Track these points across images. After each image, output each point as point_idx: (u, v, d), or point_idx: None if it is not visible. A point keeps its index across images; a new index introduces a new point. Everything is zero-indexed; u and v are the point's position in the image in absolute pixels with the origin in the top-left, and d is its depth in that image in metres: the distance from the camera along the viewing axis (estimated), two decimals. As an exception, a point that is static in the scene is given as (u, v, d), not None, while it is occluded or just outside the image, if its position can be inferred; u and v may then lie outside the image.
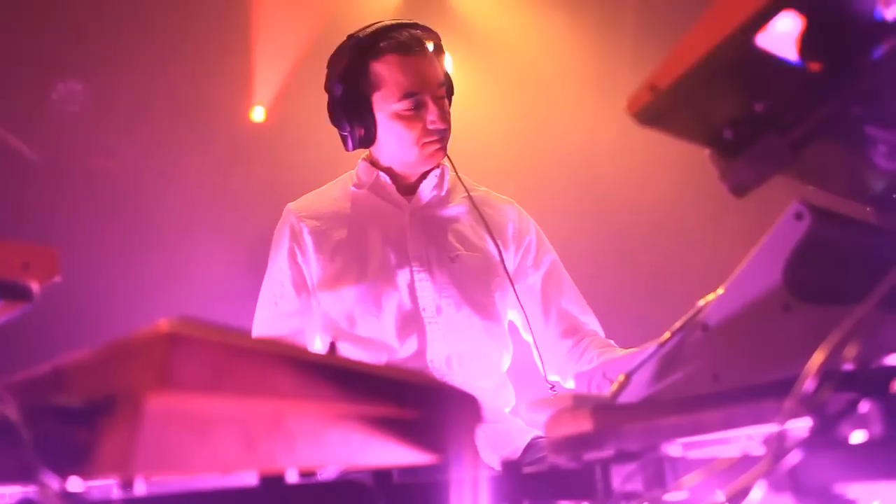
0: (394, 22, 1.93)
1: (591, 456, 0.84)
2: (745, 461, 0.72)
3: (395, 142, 1.93)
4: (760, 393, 0.79)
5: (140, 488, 0.75)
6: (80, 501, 0.70)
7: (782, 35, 0.77)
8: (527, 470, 0.88)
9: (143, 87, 3.73)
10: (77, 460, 0.69)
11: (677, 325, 0.90)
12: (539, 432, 1.86)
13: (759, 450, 0.72)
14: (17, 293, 0.91)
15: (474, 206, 1.97)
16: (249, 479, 0.82)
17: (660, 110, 0.81)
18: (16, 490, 0.79)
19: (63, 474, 0.69)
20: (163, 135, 3.78)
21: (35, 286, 0.93)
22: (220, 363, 0.65)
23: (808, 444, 0.65)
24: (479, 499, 0.84)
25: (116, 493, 0.78)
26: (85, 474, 0.69)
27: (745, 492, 0.66)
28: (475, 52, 4.02)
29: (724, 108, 0.83)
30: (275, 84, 4.04)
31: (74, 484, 0.69)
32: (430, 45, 1.93)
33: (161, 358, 0.64)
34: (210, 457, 0.67)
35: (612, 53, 4.14)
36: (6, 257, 0.95)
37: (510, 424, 1.91)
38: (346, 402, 0.71)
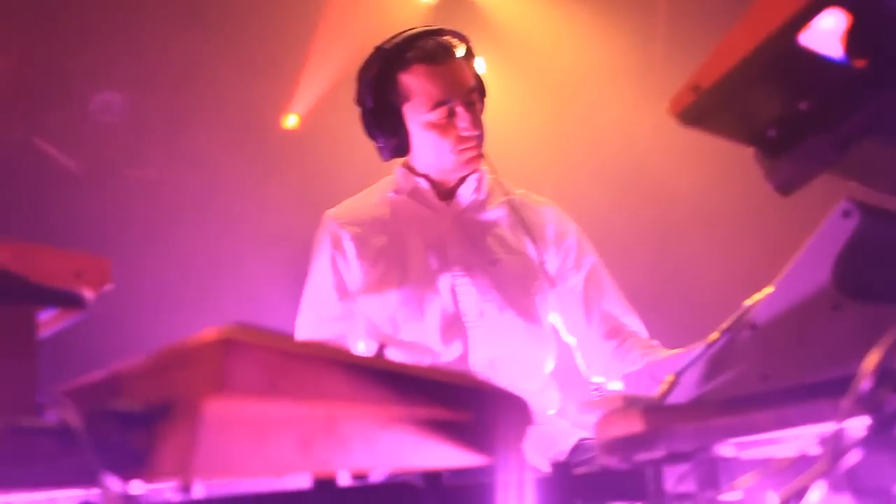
0: (420, 30, 1.92)
1: (642, 456, 0.84)
2: (802, 461, 0.72)
3: (430, 151, 1.94)
4: (812, 392, 0.78)
5: (198, 491, 0.77)
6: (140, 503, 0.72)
7: (826, 33, 0.76)
8: (578, 471, 0.88)
9: (181, 96, 3.79)
10: (137, 464, 0.71)
11: (725, 324, 0.89)
12: (584, 434, 1.85)
13: (815, 450, 0.71)
14: (70, 301, 0.93)
15: (513, 209, 1.97)
16: (303, 481, 0.83)
17: (703, 110, 0.81)
18: (77, 493, 0.81)
19: (124, 478, 0.71)
20: (201, 143, 3.83)
21: (88, 294, 0.95)
22: (276, 368, 0.66)
23: (866, 443, 0.65)
24: (529, 500, 0.84)
25: (175, 496, 0.79)
26: (145, 477, 0.70)
27: (802, 492, 0.66)
28: (506, 53, 4.02)
29: (768, 107, 0.83)
30: (310, 93, 4.08)
31: (136, 487, 0.70)
32: (460, 50, 1.92)
33: (218, 363, 0.65)
34: (266, 460, 0.69)
35: (644, 51, 4.12)
36: (59, 266, 0.98)
37: (555, 427, 1.91)
38: (398, 405, 0.72)
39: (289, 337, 0.70)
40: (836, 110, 0.81)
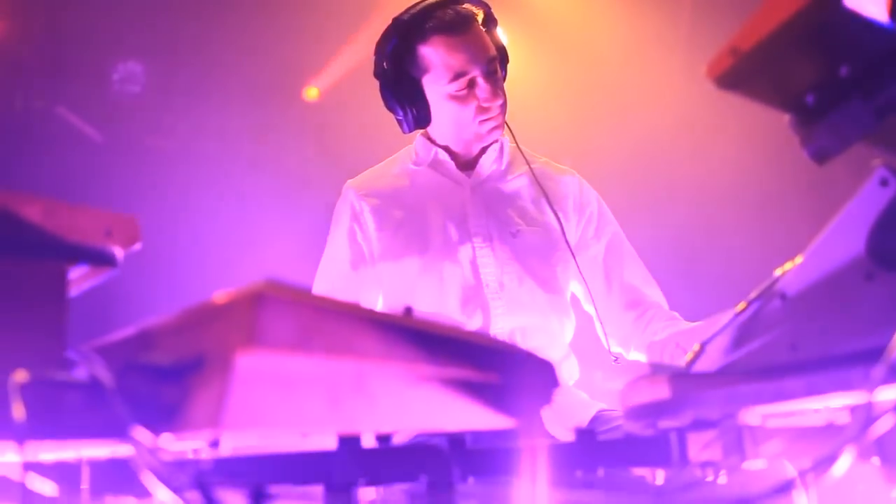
0: None
1: (666, 423, 0.83)
2: (828, 430, 0.71)
3: (451, 122, 1.92)
4: (841, 362, 0.78)
5: (225, 449, 0.78)
6: (169, 458, 0.73)
7: (872, -6, 0.75)
8: (602, 437, 0.88)
9: (202, 67, 3.80)
10: (167, 418, 0.72)
11: (753, 294, 0.88)
12: (604, 405, 1.85)
13: (843, 419, 0.70)
14: (102, 259, 0.94)
15: (535, 178, 1.95)
16: (328, 443, 0.83)
17: (741, 74, 0.80)
18: (107, 450, 0.82)
19: (153, 431, 0.72)
20: (222, 113, 3.84)
21: (118, 253, 0.96)
22: (308, 323, 0.66)
23: (898, 410, 0.64)
24: (552, 465, 0.84)
25: (202, 452, 0.80)
26: (175, 431, 0.71)
27: (831, 459, 0.65)
28: (532, 22, 3.98)
29: (808, 72, 0.82)
30: (336, 67, 4.07)
31: (166, 440, 0.71)
32: (479, 17, 1.89)
33: (249, 318, 0.65)
34: (295, 415, 0.69)
35: (671, 24, 4.08)
36: (90, 224, 0.98)
37: (575, 397, 1.90)
38: (427, 364, 0.72)
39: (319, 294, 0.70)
40: (877, 76, 0.79)
